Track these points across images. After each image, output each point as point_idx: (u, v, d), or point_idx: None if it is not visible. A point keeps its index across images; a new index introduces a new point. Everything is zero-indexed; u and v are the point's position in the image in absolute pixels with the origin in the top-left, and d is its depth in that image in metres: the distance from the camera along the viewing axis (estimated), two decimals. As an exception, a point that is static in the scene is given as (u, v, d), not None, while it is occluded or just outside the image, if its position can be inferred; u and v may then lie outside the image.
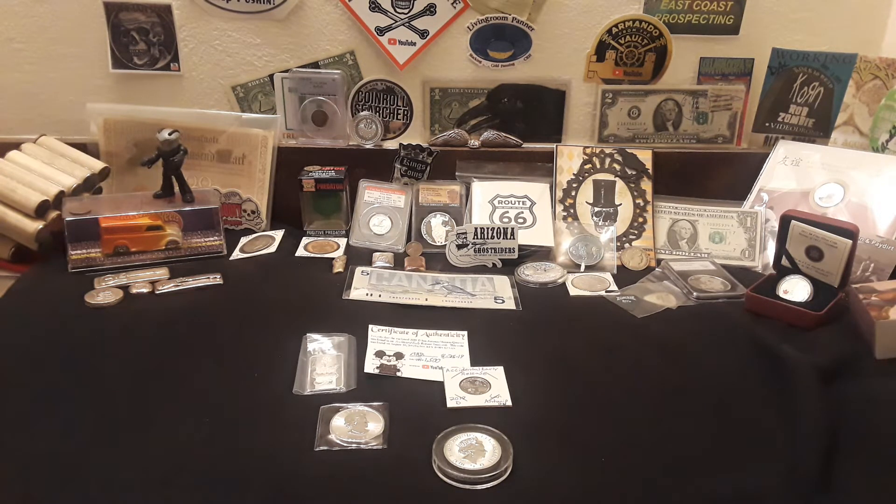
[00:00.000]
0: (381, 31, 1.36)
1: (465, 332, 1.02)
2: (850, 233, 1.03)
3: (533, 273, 1.21)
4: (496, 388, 0.89)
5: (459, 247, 1.25)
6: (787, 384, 0.89)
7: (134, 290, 1.11)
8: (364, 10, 1.35)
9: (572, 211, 1.34)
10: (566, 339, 1.02)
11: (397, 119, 1.45)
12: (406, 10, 1.35)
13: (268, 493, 0.72)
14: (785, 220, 1.11)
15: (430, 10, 1.35)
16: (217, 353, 0.95)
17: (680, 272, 1.20)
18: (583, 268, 1.25)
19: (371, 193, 1.37)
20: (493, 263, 1.25)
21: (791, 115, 1.41)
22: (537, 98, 1.43)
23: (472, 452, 0.76)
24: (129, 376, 0.90)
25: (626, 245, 1.30)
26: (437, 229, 1.34)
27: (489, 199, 1.34)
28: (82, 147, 1.33)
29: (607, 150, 1.38)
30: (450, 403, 0.86)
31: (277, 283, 1.16)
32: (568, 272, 1.23)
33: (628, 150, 1.37)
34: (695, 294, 1.14)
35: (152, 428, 0.81)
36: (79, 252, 1.18)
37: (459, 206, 1.36)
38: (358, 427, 0.80)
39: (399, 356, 0.95)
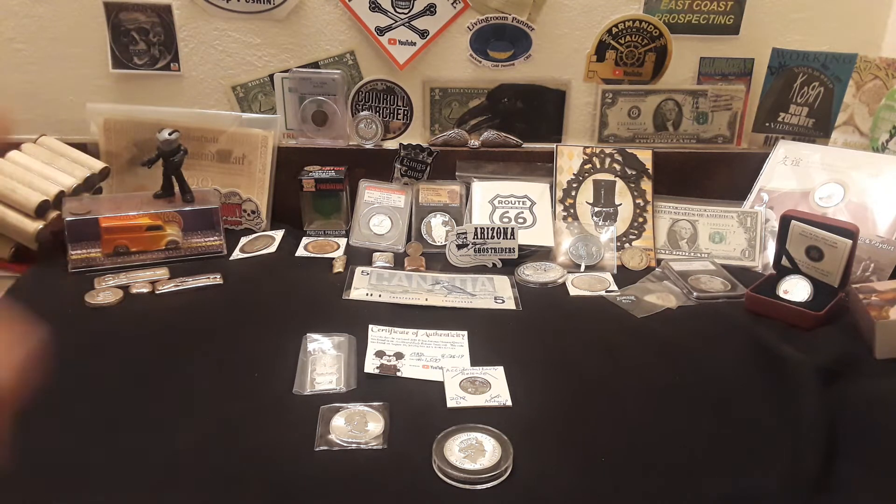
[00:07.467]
0: (381, 31, 1.36)
1: (465, 332, 1.02)
2: (850, 233, 1.03)
3: (533, 273, 1.21)
4: (496, 388, 0.89)
5: (459, 247, 1.25)
6: (787, 384, 0.89)
7: (134, 290, 1.11)
8: (364, 10, 1.35)
9: (572, 211, 1.34)
10: (566, 339, 1.02)
11: (397, 119, 1.45)
12: (406, 10, 1.35)
13: (268, 493, 0.72)
14: (785, 220, 1.11)
15: (430, 10, 1.35)
16: (217, 354, 0.95)
17: (680, 272, 1.20)
18: (583, 268, 1.25)
19: (371, 193, 1.37)
20: (493, 263, 1.25)
21: (791, 115, 1.41)
22: (537, 98, 1.43)
23: (472, 452, 0.76)
24: (129, 376, 0.90)
25: (626, 245, 1.30)
26: (437, 229, 1.34)
27: (489, 199, 1.34)
28: (82, 147, 1.33)
29: (607, 150, 1.38)
30: (450, 403, 0.86)
31: (277, 283, 1.16)
32: (568, 272, 1.23)
33: (628, 150, 1.37)
34: (695, 294, 1.14)
35: (152, 428, 0.81)
36: (79, 252, 1.18)
37: (459, 206, 1.36)
38: (358, 427, 0.80)
39: (399, 356, 0.95)
